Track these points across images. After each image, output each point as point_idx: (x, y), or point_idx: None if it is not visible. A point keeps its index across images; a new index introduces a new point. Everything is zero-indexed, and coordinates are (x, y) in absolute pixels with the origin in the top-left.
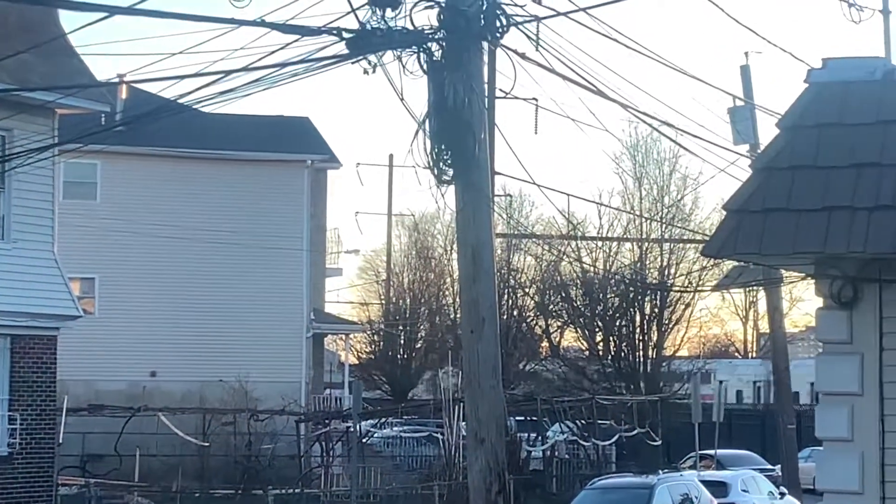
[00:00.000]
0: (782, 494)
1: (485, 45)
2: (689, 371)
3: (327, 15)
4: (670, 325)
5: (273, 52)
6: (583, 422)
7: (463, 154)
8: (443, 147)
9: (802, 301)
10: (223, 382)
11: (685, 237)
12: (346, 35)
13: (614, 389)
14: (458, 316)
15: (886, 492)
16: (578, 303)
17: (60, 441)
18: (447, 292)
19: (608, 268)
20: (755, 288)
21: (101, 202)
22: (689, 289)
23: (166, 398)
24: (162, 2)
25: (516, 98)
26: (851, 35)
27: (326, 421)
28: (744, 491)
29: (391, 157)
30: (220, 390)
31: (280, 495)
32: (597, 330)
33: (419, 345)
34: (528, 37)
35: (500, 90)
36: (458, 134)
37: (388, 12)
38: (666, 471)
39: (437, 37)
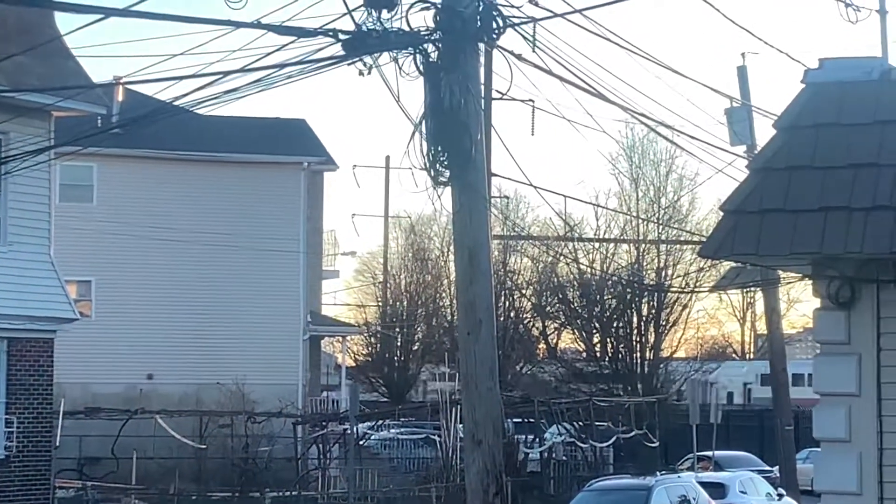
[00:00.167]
0: (780, 496)
1: (481, 46)
2: (686, 373)
3: (324, 16)
4: (667, 327)
5: (269, 54)
6: (580, 423)
7: (459, 155)
8: (439, 148)
9: (800, 302)
10: (220, 385)
11: (682, 238)
12: (342, 36)
13: (612, 391)
14: (455, 318)
15: (885, 492)
16: (575, 304)
17: (57, 444)
18: (444, 294)
19: (605, 269)
20: (753, 289)
21: (98, 205)
22: (686, 290)
23: (163, 401)
24: (158, 3)
25: (513, 99)
26: (848, 35)
27: (323, 423)
28: (742, 492)
29: (388, 158)
30: (217, 393)
31: (277, 498)
32: (594, 331)
33: (416, 347)
34: (525, 38)
35: (497, 91)
36: (455, 135)
37: (385, 14)
38: (664, 472)
39: (433, 38)
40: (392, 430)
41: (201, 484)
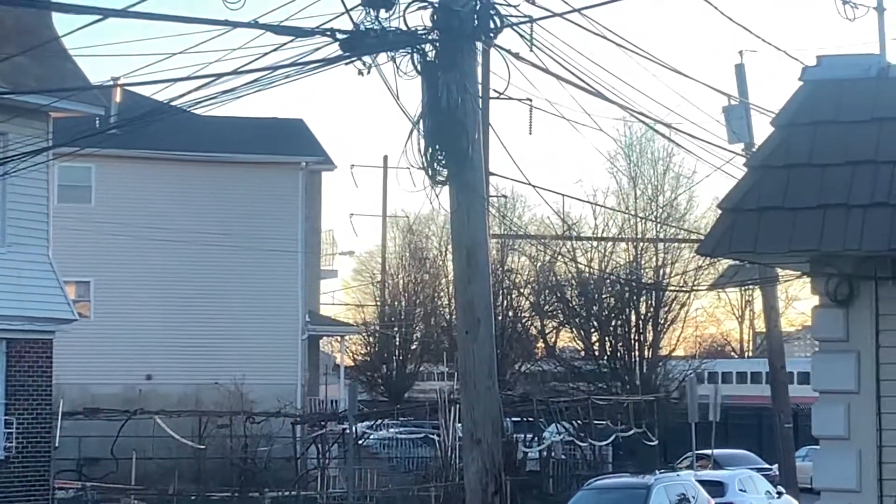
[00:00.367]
0: (780, 494)
1: (479, 45)
2: (684, 371)
3: (321, 16)
4: (666, 325)
5: (267, 54)
6: (579, 422)
7: (457, 154)
8: (437, 147)
9: (798, 300)
10: (219, 385)
11: (680, 236)
12: (339, 36)
13: (610, 389)
14: (454, 317)
15: (884, 489)
16: (574, 303)
17: (56, 445)
18: (442, 293)
19: (603, 268)
20: (751, 287)
21: (96, 205)
22: (684, 288)
23: (162, 401)
24: (155, 4)
25: (511, 98)
26: (846, 33)
27: (322, 423)
28: (741, 490)
29: (385, 158)
30: (216, 393)
31: (276, 498)
32: (592, 330)
33: (415, 346)
34: (522, 37)
35: (495, 90)
36: (452, 134)
37: (382, 13)
38: (663, 471)
39: (430, 37)
40: (391, 430)
41: (200, 484)
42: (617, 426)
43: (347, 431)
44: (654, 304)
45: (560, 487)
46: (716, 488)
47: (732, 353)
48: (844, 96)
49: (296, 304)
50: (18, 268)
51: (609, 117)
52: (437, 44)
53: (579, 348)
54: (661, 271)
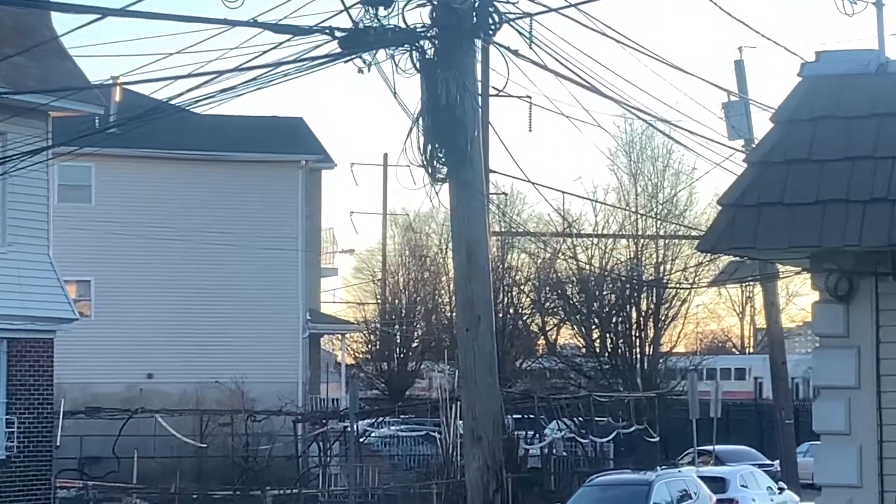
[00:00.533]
0: (781, 489)
1: (478, 42)
2: (685, 367)
3: (320, 14)
4: (667, 322)
5: (266, 52)
6: (580, 419)
7: (456, 152)
8: (436, 145)
9: (799, 296)
10: (220, 384)
11: (681, 233)
12: (338, 34)
13: (611, 386)
14: (455, 314)
15: (885, 485)
16: (574, 300)
17: (58, 444)
18: (443, 291)
19: (604, 265)
20: (751, 283)
21: (96, 205)
22: (685, 285)
23: (163, 400)
24: (154, 3)
25: (510, 96)
26: (845, 28)
27: (324, 421)
28: (742, 486)
29: (385, 156)
30: (217, 391)
31: (278, 496)
32: (593, 327)
33: (415, 344)
34: (521, 34)
35: (494, 88)
36: (452, 132)
37: (381, 11)
38: (664, 467)
39: (429, 35)
40: (392, 427)
41: (202, 483)
42: (618, 423)
43: (349, 429)
44: (654, 300)
45: (561, 484)
46: (717, 484)
47: (733, 350)
48: (844, 92)
49: (296, 302)
50: (19, 267)
51: (609, 114)
52: (436, 41)
53: (580, 345)
54: (662, 268)
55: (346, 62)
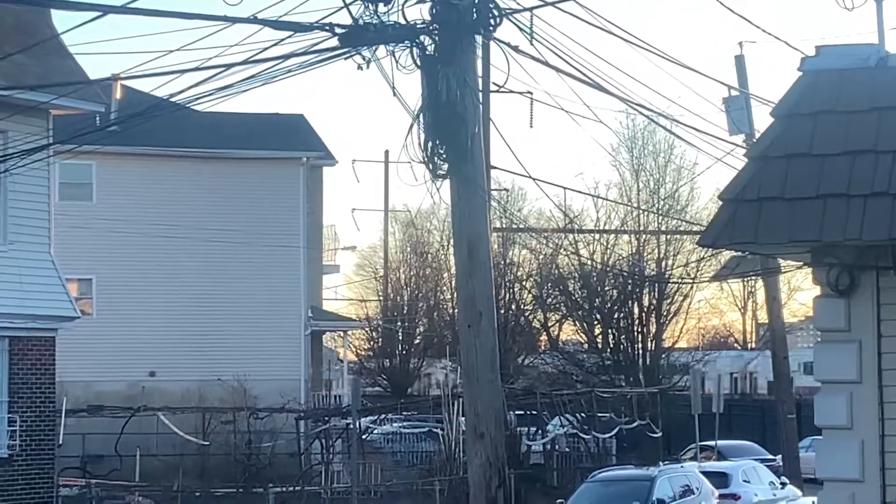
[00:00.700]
0: (783, 484)
1: (478, 38)
2: (687, 363)
3: (320, 10)
4: (669, 317)
5: (266, 49)
6: (582, 415)
7: (457, 148)
8: (437, 141)
9: (801, 291)
10: (222, 381)
11: (682, 228)
12: (338, 31)
13: (613, 382)
14: (456, 311)
15: (887, 479)
16: (576, 296)
17: (60, 442)
18: (445, 287)
19: (606, 260)
20: (753, 278)
21: (97, 203)
22: (686, 280)
23: (165, 398)
24: (155, 0)
25: (511, 92)
26: (845, 23)
27: (326, 418)
28: (745, 481)
29: (387, 153)
30: (220, 389)
31: (281, 493)
32: (595, 323)
33: (418, 340)
34: (521, 29)
35: (495, 84)
36: (452, 128)
37: (381, 7)
38: (666, 462)
39: (429, 31)
40: (394, 424)
41: (205, 480)
42: (620, 418)
43: (351, 426)
44: (656, 296)
45: (564, 480)
46: (720, 479)
47: (735, 345)
48: (844, 86)
49: (298, 299)
50: (20, 266)
51: (610, 109)
52: (437, 37)
53: (582, 341)
54: (664, 263)
55: (346, 59)
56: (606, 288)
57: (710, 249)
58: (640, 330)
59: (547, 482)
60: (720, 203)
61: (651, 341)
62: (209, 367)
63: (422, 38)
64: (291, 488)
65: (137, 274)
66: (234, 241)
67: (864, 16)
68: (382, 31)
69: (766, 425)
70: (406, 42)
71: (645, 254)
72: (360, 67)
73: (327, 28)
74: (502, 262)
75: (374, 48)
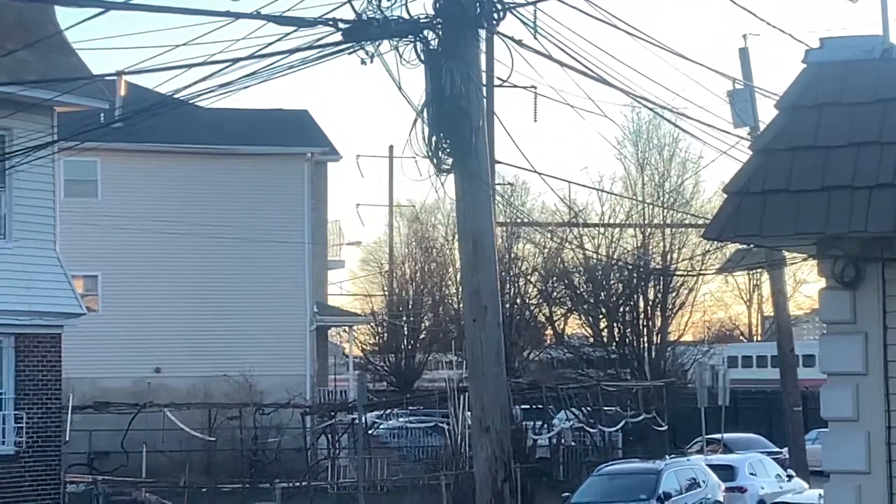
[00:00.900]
0: (790, 477)
1: (482, 33)
2: (695, 358)
3: (324, 6)
4: (674, 310)
5: (270, 44)
6: (588, 408)
7: (461, 142)
8: (441, 136)
9: (806, 283)
10: (228, 377)
11: (687, 221)
12: (342, 26)
13: (619, 375)
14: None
15: (893, 471)
16: (582, 290)
17: (67, 439)
18: (450, 282)
19: (611, 254)
20: (758, 271)
21: (103, 199)
22: (692, 273)
23: (171, 394)
24: None
25: (515, 86)
26: (849, 14)
27: (332, 413)
28: (751, 474)
29: (391, 148)
30: (225, 385)
31: (287, 488)
32: (601, 316)
33: (423, 335)
34: (525, 23)
35: (498, 78)
36: (456, 122)
37: (384, 2)
38: (673, 456)
39: (433, 25)
40: (400, 419)
41: (211, 476)
42: (626, 412)
43: (357, 421)
44: (662, 289)
45: (570, 474)
46: (726, 472)
47: (741, 338)
48: (848, 78)
49: (303, 294)
50: (26, 263)
51: (614, 103)
52: (440, 32)
53: (588, 335)
54: (669, 256)
55: (349, 54)
56: (612, 282)
57: (716, 242)
58: (645, 323)
59: (553, 476)
60: (725, 196)
61: (656, 335)
62: (215, 363)
63: (425, 32)
64: (298, 483)
65: (143, 270)
66: (239, 236)
67: (868, 7)
68: (386, 25)
69: (773, 418)
70: (410, 37)
71: (650, 247)
72: (363, 62)
73: (331, 23)
74: (507, 257)
75: (377, 43)
